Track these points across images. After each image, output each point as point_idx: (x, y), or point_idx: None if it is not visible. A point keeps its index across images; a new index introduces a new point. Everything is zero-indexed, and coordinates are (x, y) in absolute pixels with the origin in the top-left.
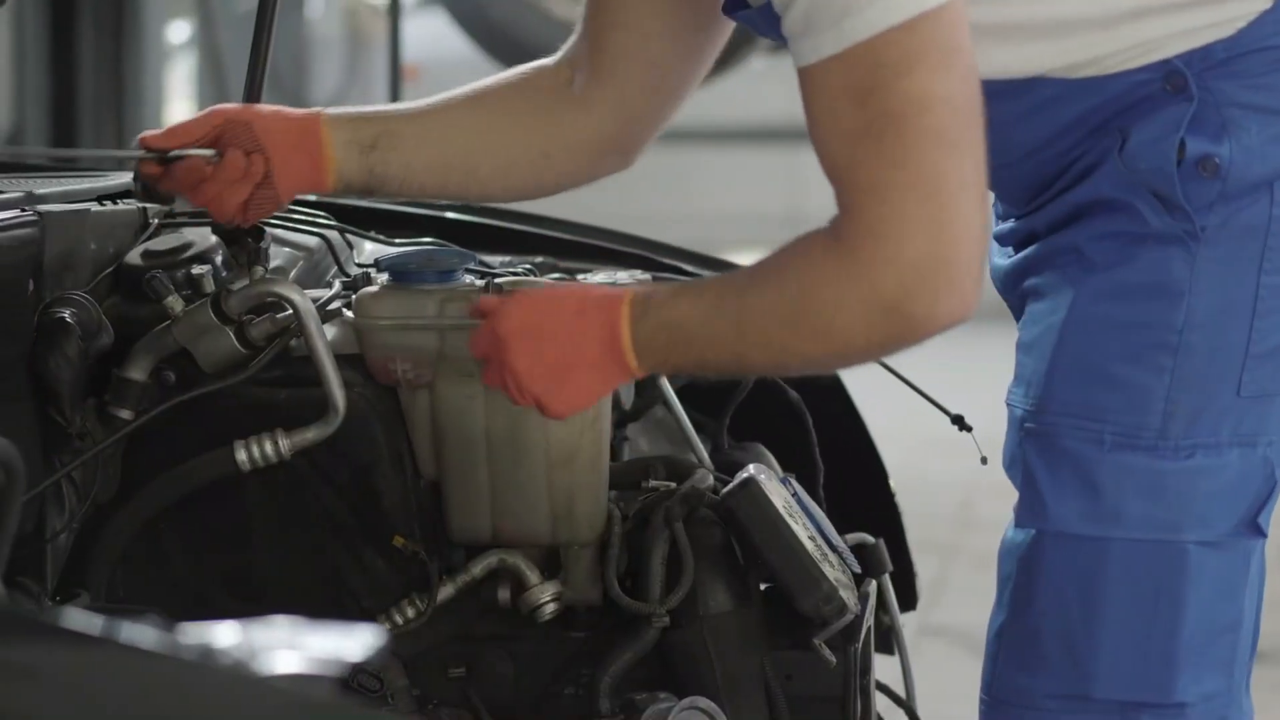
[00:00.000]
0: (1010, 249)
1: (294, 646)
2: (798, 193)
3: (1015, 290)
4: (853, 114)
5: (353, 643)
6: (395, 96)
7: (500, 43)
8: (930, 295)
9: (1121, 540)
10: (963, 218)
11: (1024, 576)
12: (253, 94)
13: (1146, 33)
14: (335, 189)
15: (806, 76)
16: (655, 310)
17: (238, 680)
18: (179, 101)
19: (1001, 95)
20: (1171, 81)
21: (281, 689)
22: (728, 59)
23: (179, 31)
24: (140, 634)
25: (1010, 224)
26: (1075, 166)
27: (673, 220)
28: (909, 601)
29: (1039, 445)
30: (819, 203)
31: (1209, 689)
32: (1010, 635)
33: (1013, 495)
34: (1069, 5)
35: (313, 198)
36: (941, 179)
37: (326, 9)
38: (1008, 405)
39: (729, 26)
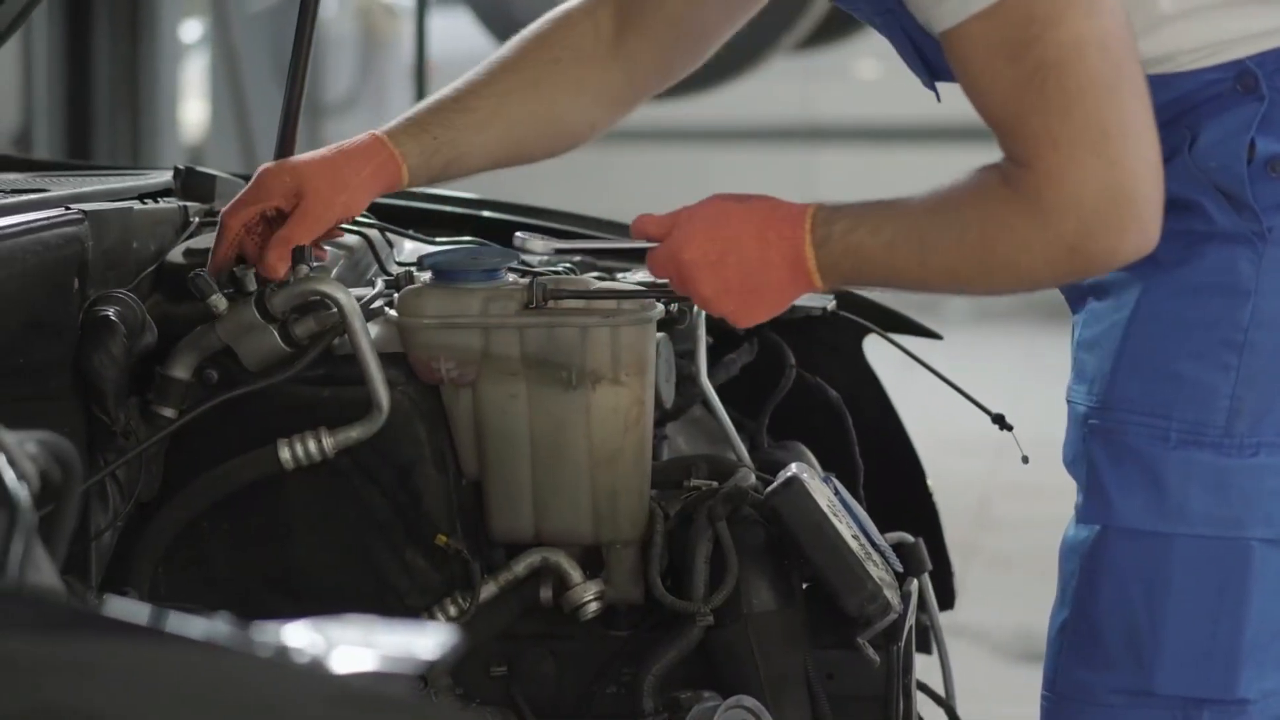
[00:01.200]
0: None
1: (367, 644)
2: (810, 193)
3: (1076, 284)
4: (1010, 69)
5: (426, 641)
6: (421, 94)
7: None
8: (1114, 233)
9: (1186, 537)
10: (1135, 153)
11: (1087, 573)
12: (292, 105)
13: (1222, 31)
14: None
15: (954, 38)
16: (838, 237)
17: (315, 678)
18: (193, 100)
19: None
20: (1243, 81)
21: (358, 686)
22: (750, 60)
23: (193, 30)
24: (214, 631)
25: None
26: None
27: None
28: (946, 601)
29: (1104, 442)
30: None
31: (1270, 686)
32: (1073, 631)
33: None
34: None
35: None
36: (1108, 120)
37: (340, 9)
38: (1068, 402)
39: None
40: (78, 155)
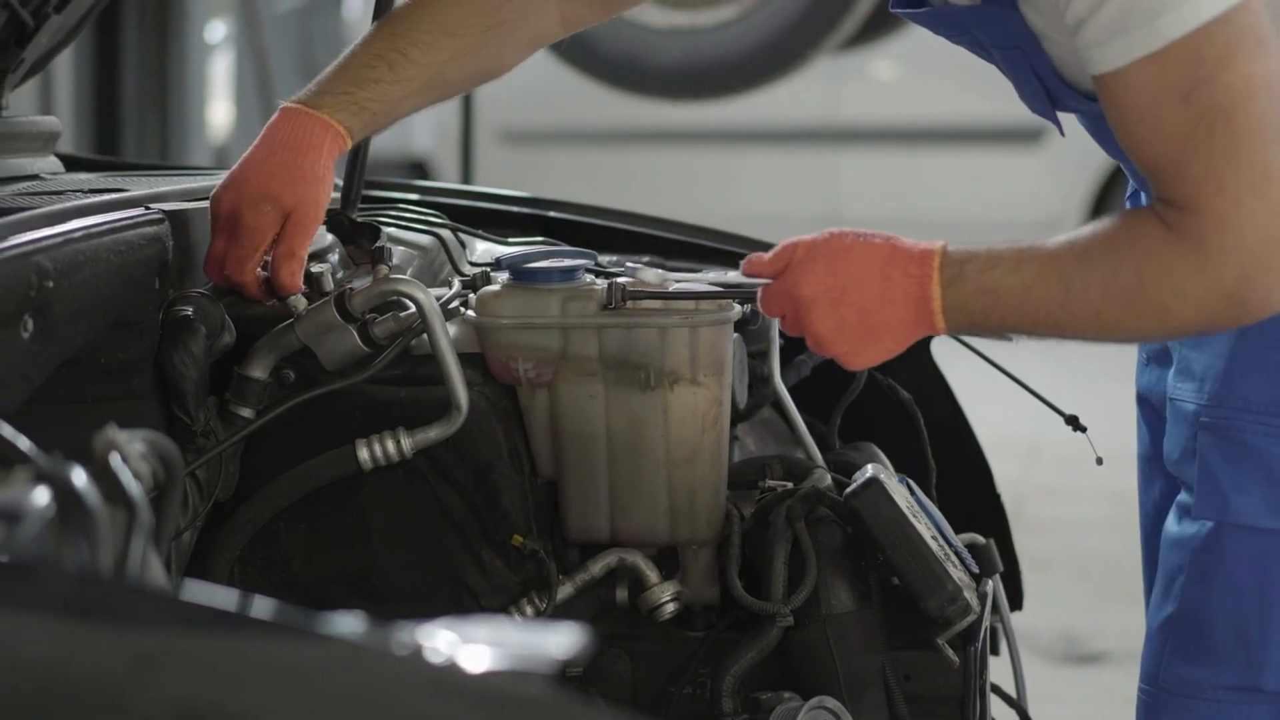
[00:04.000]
0: None
1: (496, 643)
2: (833, 195)
3: None
4: (1176, 112)
5: (557, 639)
6: None
7: (568, 43)
8: (1271, 280)
9: None
10: None
11: (1198, 568)
12: None
13: None
14: None
15: (1116, 80)
16: (970, 276)
17: (453, 677)
18: (220, 100)
19: None
20: None
21: (496, 686)
22: (793, 62)
23: (220, 30)
24: (352, 630)
25: None
26: None
27: (709, 222)
28: (1014, 601)
29: (1217, 438)
30: (854, 204)
31: None
32: (1179, 626)
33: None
34: None
35: (415, 196)
36: (1272, 165)
37: (364, 10)
38: (1171, 400)
39: None
40: (105, 155)
